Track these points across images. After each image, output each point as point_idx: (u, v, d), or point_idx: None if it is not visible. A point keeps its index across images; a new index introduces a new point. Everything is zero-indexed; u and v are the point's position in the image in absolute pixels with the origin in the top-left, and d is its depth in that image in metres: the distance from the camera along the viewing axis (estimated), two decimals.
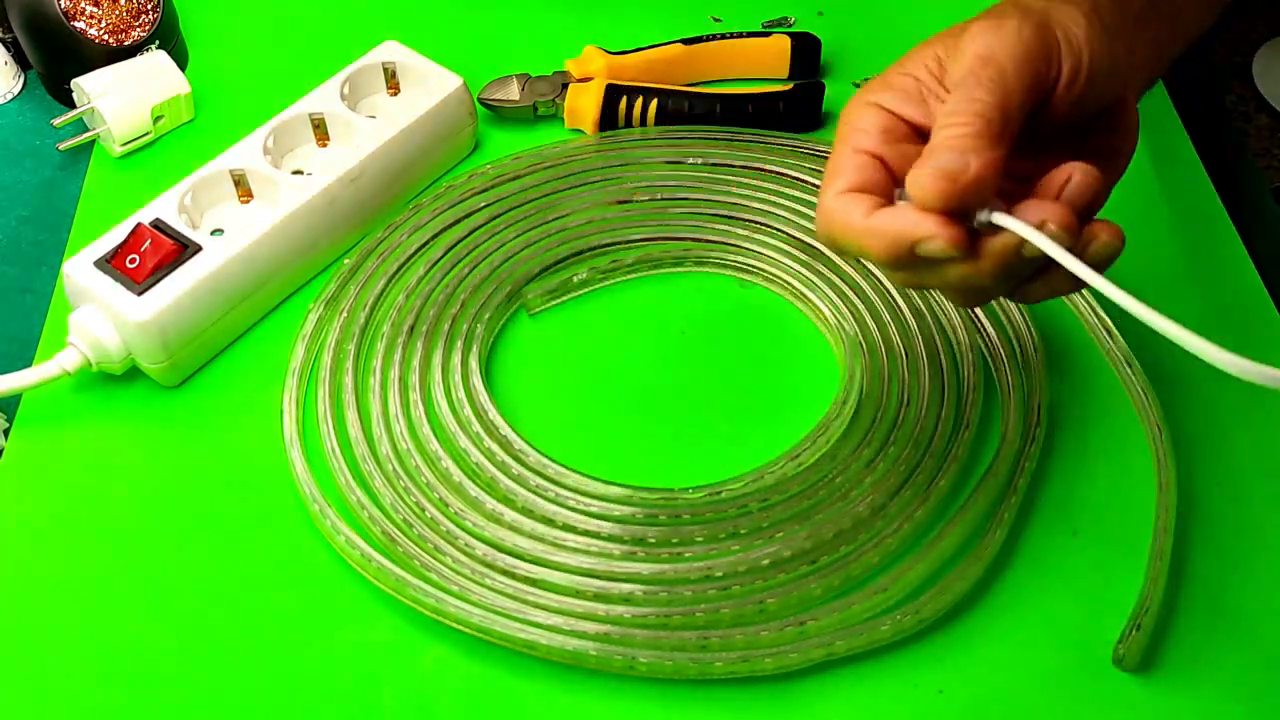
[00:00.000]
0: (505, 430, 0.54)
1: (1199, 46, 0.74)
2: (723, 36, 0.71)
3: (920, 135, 0.45)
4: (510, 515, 0.52)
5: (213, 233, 0.60)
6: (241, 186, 0.61)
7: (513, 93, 0.68)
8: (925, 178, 0.41)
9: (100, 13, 0.67)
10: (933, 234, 0.41)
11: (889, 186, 0.45)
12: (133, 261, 0.56)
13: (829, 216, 0.43)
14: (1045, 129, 0.45)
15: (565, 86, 0.68)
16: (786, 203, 0.62)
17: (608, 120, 0.67)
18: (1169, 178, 0.67)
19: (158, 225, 0.58)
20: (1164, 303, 0.61)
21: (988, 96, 0.42)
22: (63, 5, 0.66)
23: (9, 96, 0.71)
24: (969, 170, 0.41)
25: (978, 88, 0.42)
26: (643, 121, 0.67)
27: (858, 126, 0.45)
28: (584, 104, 0.67)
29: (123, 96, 0.66)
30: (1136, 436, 0.56)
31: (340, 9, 0.76)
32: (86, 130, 0.67)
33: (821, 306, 0.59)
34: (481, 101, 0.68)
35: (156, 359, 0.56)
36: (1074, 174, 0.43)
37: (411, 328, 0.58)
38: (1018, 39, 0.43)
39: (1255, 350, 0.59)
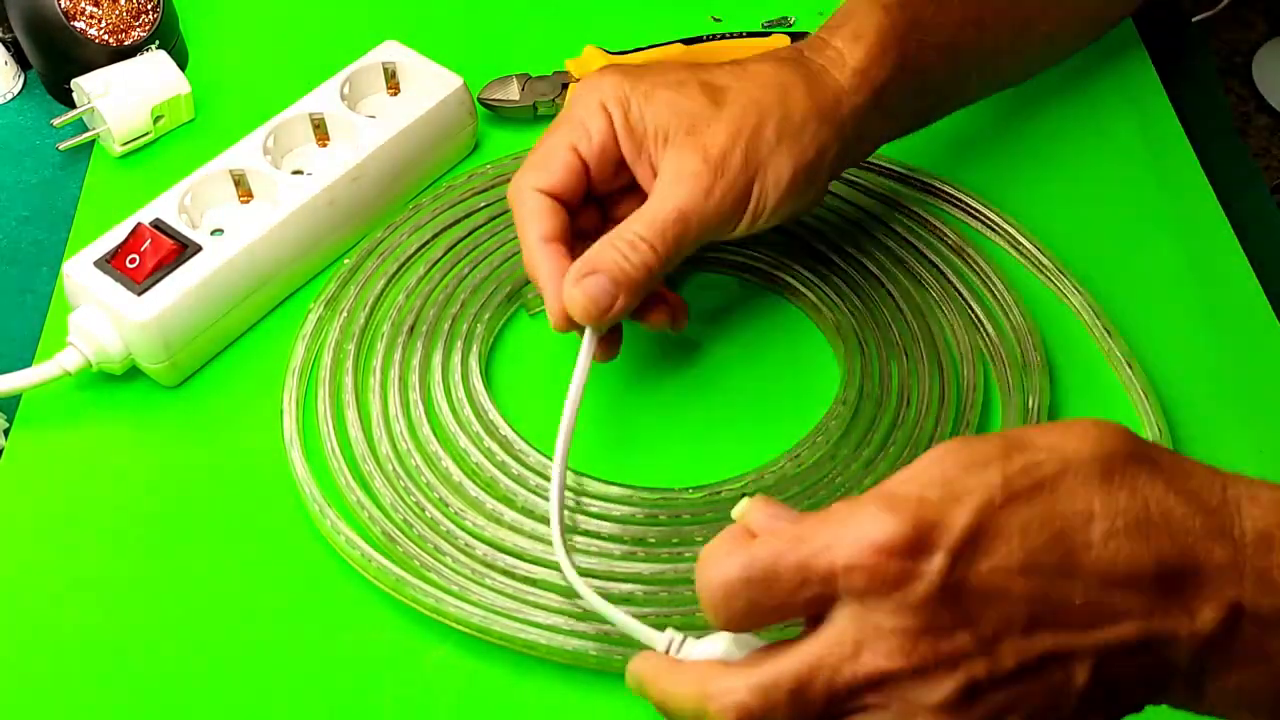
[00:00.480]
0: (505, 430, 0.54)
1: (1197, 45, 0.74)
2: (723, 36, 0.71)
3: (622, 163, 0.51)
4: (510, 515, 0.52)
5: (213, 233, 0.60)
6: (241, 186, 0.61)
7: (513, 93, 0.68)
8: (580, 298, 0.49)
9: (100, 13, 0.67)
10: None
11: (577, 194, 0.52)
12: (133, 261, 0.56)
13: None
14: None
15: (565, 86, 0.68)
16: None
17: None
18: (1168, 178, 0.67)
19: (158, 225, 0.58)
20: (1162, 303, 0.61)
21: (664, 253, 0.49)
22: (63, 5, 0.66)
23: (9, 96, 0.71)
24: (615, 307, 0.49)
25: (661, 241, 0.49)
26: None
27: (586, 125, 0.51)
28: None
29: (123, 96, 0.66)
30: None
31: (340, 9, 0.76)
32: (86, 130, 0.67)
33: (821, 306, 0.59)
34: (481, 101, 0.68)
35: (156, 359, 0.56)
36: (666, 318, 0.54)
37: (411, 328, 0.58)
38: (716, 210, 0.49)
39: (1251, 352, 0.59)
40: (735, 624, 0.37)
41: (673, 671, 0.38)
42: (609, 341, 0.54)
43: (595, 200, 0.54)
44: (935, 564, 0.33)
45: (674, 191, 0.49)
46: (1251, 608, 0.34)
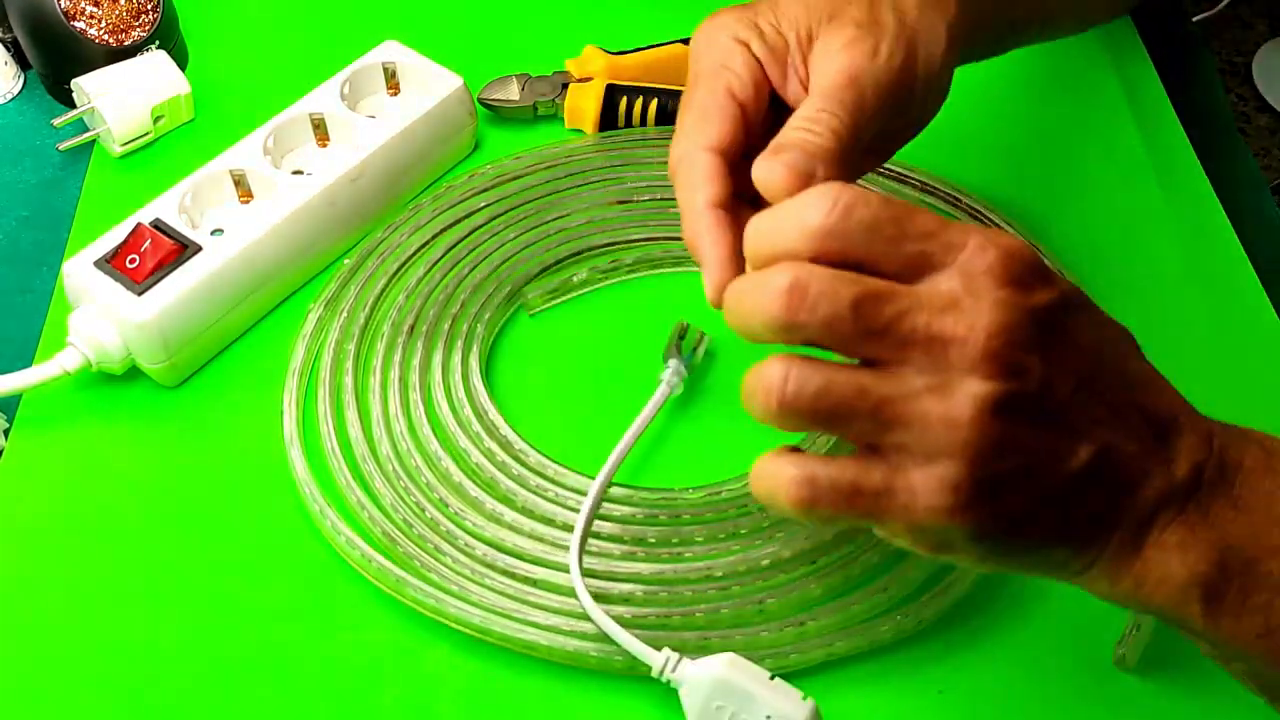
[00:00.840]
0: (505, 430, 0.54)
1: (1198, 46, 0.74)
2: None
3: (773, 101, 0.46)
4: (510, 515, 0.52)
5: (213, 233, 0.60)
6: (241, 186, 0.61)
7: (513, 93, 0.68)
8: (779, 168, 0.42)
9: (100, 13, 0.67)
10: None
11: (741, 148, 0.45)
12: (133, 261, 0.56)
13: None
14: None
15: (565, 86, 0.68)
16: None
17: (608, 120, 0.67)
18: (1169, 178, 0.67)
19: (158, 225, 0.58)
20: (1162, 303, 0.61)
21: (846, 118, 0.44)
22: (63, 5, 0.66)
23: (9, 96, 0.71)
24: (816, 179, 0.42)
25: (840, 107, 0.44)
26: (643, 121, 0.67)
27: (729, 65, 0.46)
28: (584, 104, 0.67)
29: (123, 96, 0.66)
30: None
31: (340, 9, 0.76)
32: (86, 130, 0.67)
33: None
34: (481, 101, 0.68)
35: (156, 359, 0.56)
36: None
37: (411, 328, 0.58)
38: (887, 67, 0.45)
39: (1252, 352, 0.59)
40: (850, 234, 0.37)
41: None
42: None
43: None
44: (1052, 293, 0.37)
45: (837, 60, 0.45)
46: (1210, 474, 0.38)
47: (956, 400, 0.36)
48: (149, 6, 0.69)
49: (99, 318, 0.56)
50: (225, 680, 0.49)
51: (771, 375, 0.37)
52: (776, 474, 0.38)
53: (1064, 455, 0.37)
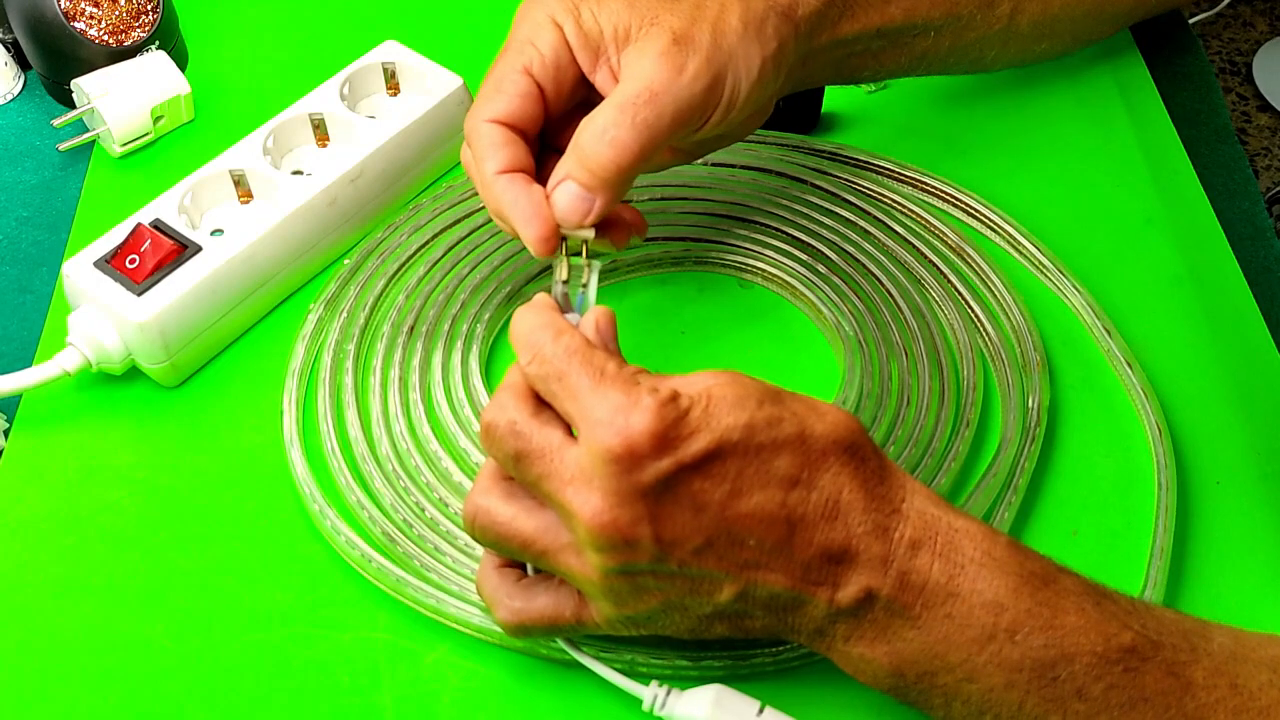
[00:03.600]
0: None
1: (1194, 49, 0.74)
2: None
3: (579, 80, 0.48)
4: None
5: (213, 233, 0.60)
6: (241, 186, 0.61)
7: None
8: (559, 201, 0.47)
9: (100, 13, 0.67)
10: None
11: (534, 121, 0.48)
12: (133, 262, 0.56)
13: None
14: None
15: None
16: (786, 203, 0.62)
17: None
18: (1162, 181, 0.67)
19: (158, 225, 0.58)
20: (1161, 304, 0.61)
21: (639, 135, 0.46)
22: (63, 6, 0.66)
23: (9, 97, 0.71)
24: (592, 209, 0.47)
25: (633, 123, 0.46)
26: None
27: (534, 42, 0.48)
28: None
29: (123, 97, 0.66)
30: (1137, 436, 0.56)
31: (340, 9, 0.76)
32: (86, 130, 0.67)
33: (821, 306, 0.59)
34: None
35: (156, 359, 0.56)
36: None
37: (411, 328, 0.58)
38: (690, 88, 0.46)
39: (1247, 354, 0.59)
40: (531, 379, 0.42)
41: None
42: (616, 230, 0.51)
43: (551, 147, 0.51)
44: (663, 465, 0.38)
45: (643, 71, 0.46)
46: (886, 598, 0.40)
47: (585, 561, 0.41)
48: (149, 7, 0.69)
49: (99, 318, 0.56)
50: (225, 680, 0.49)
51: (466, 509, 0.43)
52: (494, 603, 0.45)
53: (704, 594, 0.41)
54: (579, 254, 0.48)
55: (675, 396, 0.39)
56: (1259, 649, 0.41)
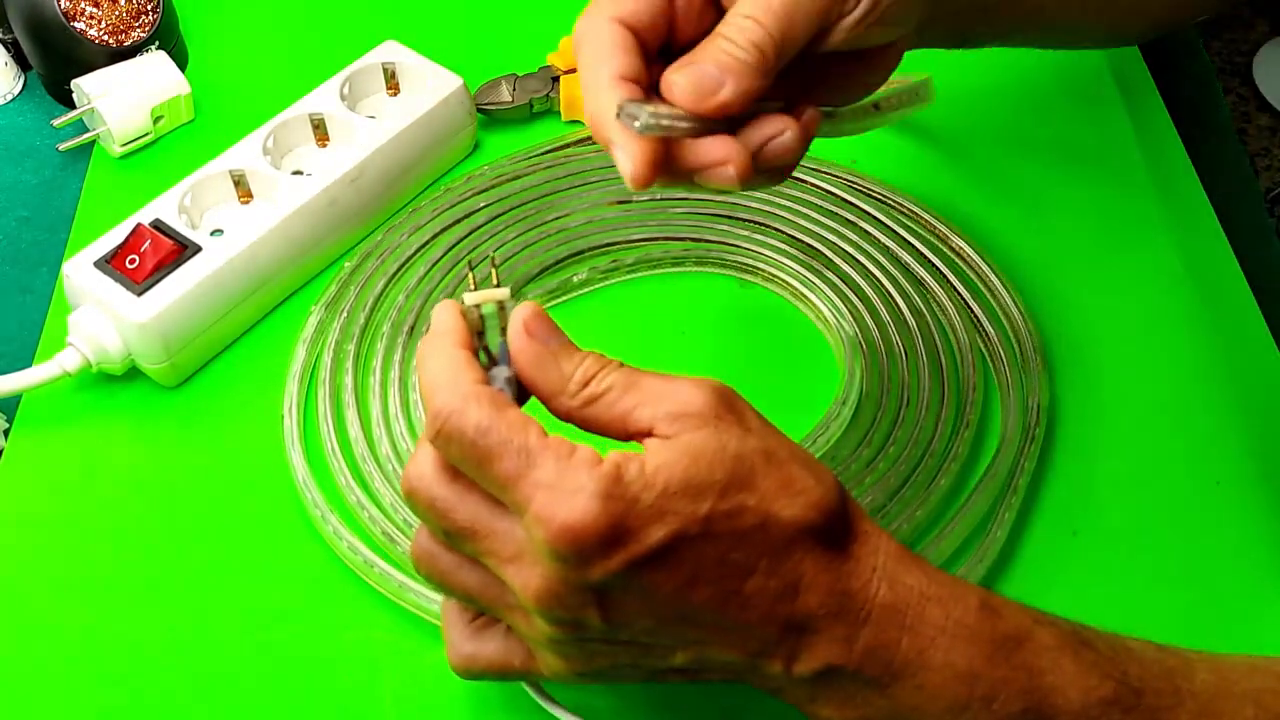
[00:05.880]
0: None
1: (1195, 48, 0.74)
2: None
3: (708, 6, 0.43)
4: None
5: (213, 233, 0.60)
6: (241, 187, 0.61)
7: (503, 95, 0.68)
8: (681, 83, 0.40)
9: (100, 13, 0.67)
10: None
11: (659, 34, 0.42)
12: (133, 262, 0.56)
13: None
14: (808, 51, 0.43)
15: (555, 80, 0.68)
16: (786, 203, 0.62)
17: None
18: (1163, 181, 0.67)
19: (158, 225, 0.58)
20: (1152, 307, 0.61)
21: (771, 29, 0.40)
22: (63, 6, 0.66)
23: (9, 97, 0.71)
24: (721, 93, 0.40)
25: (766, 14, 0.40)
26: None
27: None
28: (578, 94, 0.67)
29: (123, 97, 0.66)
30: (1136, 436, 0.56)
31: (340, 9, 0.76)
32: (86, 130, 0.67)
33: (821, 306, 0.59)
34: (478, 107, 0.68)
35: (157, 359, 0.56)
36: (786, 132, 0.42)
37: (411, 328, 0.58)
38: None
39: (1240, 359, 0.59)
40: (451, 458, 0.38)
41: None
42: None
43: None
44: (612, 565, 0.36)
45: None
46: (852, 671, 0.38)
47: (532, 624, 0.39)
48: (149, 7, 0.69)
49: (99, 318, 0.56)
50: (225, 680, 0.49)
51: (412, 547, 0.41)
52: (446, 642, 0.43)
53: (656, 657, 0.39)
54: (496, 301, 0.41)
55: (619, 478, 0.35)
56: (1242, 681, 0.40)
